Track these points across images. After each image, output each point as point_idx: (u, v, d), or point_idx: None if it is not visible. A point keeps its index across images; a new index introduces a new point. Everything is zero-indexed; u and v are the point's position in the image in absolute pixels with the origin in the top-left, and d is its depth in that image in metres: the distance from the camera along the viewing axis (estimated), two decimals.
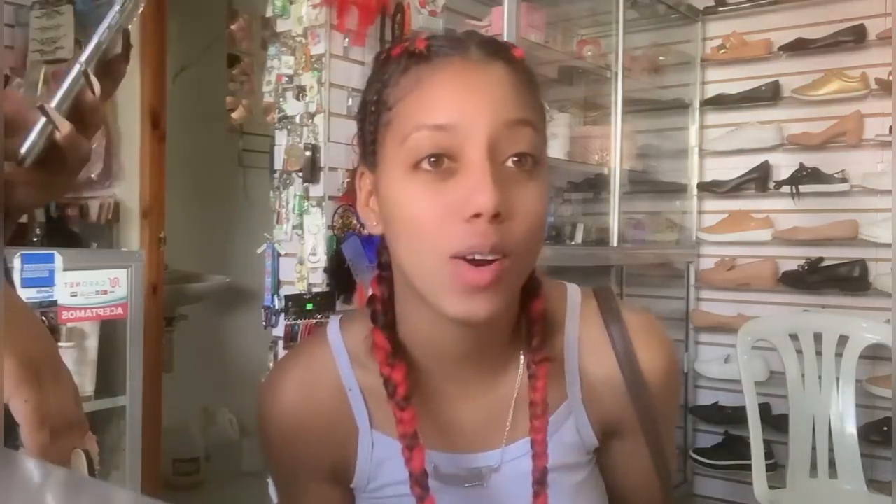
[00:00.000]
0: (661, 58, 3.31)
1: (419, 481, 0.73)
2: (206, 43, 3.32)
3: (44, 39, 2.51)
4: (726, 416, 3.03)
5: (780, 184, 3.01)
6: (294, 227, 2.04)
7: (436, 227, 0.66)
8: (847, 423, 2.43)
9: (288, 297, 1.99)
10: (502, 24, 2.19)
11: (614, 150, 2.84)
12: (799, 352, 2.52)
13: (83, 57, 0.66)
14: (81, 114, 0.66)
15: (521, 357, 0.79)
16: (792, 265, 2.96)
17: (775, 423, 2.71)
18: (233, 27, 2.79)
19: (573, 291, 0.83)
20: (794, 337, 2.53)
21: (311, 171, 2.00)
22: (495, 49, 0.72)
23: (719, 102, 3.21)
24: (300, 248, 2.03)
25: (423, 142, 0.67)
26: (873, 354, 2.60)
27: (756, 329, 2.60)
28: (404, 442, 0.73)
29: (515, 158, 0.68)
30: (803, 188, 2.94)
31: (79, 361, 2.03)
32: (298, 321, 1.97)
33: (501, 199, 0.65)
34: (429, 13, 2.23)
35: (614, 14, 2.89)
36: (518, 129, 0.68)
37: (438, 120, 0.67)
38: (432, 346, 0.76)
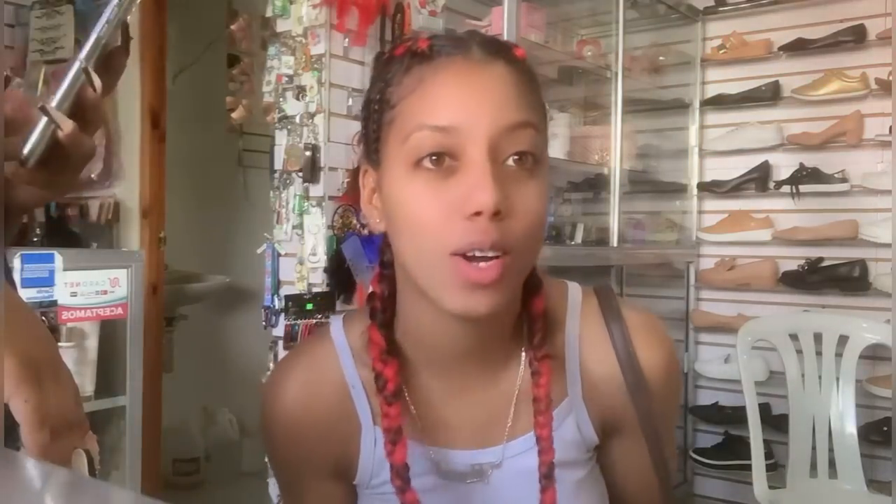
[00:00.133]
0: (661, 58, 3.30)
1: (400, 474, 0.73)
2: (206, 43, 3.32)
3: (44, 39, 2.51)
4: (726, 416, 3.03)
5: (780, 184, 3.01)
6: (294, 227, 2.04)
7: (437, 224, 0.67)
8: (847, 423, 2.43)
9: (288, 297, 1.99)
10: (502, 24, 2.18)
11: (614, 150, 2.84)
12: (799, 352, 2.52)
13: (83, 54, 0.66)
14: (83, 111, 0.66)
15: (523, 354, 0.80)
16: (792, 265, 2.96)
17: (775, 423, 2.71)
18: (233, 27, 2.78)
19: (574, 290, 0.84)
20: (794, 337, 2.53)
21: (311, 171, 2.00)
22: (497, 49, 0.73)
23: (719, 102, 3.21)
24: (300, 248, 2.03)
25: (425, 141, 0.68)
26: (873, 354, 2.60)
27: (756, 329, 2.60)
28: (388, 436, 0.74)
29: (516, 157, 0.69)
30: (803, 188, 2.94)
31: (79, 361, 2.03)
32: (298, 321, 1.97)
33: (502, 197, 0.66)
34: (429, 13, 2.23)
35: (614, 14, 2.89)
36: (519, 130, 0.69)
37: (440, 121, 0.68)
38: (434, 342, 0.77)
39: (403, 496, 0.74)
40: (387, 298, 0.79)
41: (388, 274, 0.80)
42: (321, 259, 1.99)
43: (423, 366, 0.79)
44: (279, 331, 2.01)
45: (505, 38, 2.16)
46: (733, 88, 3.17)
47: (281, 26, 2.07)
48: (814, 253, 2.91)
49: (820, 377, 2.48)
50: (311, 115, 2.02)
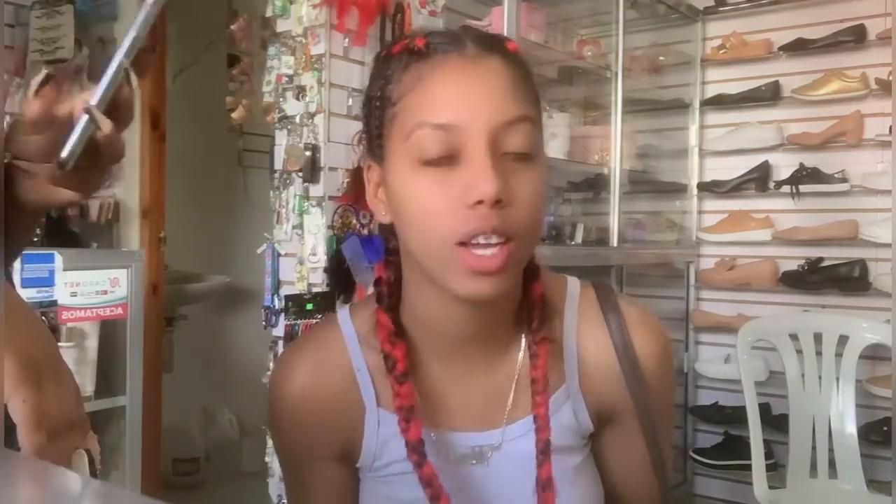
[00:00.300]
0: (661, 58, 3.30)
1: (416, 449, 0.76)
2: (206, 43, 3.32)
3: (44, 39, 2.51)
4: (726, 416, 3.03)
5: (780, 184, 3.00)
6: (294, 227, 2.04)
7: (442, 215, 0.71)
8: (847, 423, 2.43)
9: (288, 297, 1.98)
10: (502, 24, 2.18)
11: (614, 150, 2.84)
12: (799, 352, 2.52)
13: (122, 52, 0.65)
14: (118, 110, 0.65)
15: (523, 340, 0.83)
16: (792, 265, 2.96)
17: (775, 423, 2.71)
18: (233, 27, 2.78)
19: (573, 282, 0.87)
20: (794, 337, 2.53)
21: (311, 171, 2.00)
22: (491, 44, 0.76)
23: (719, 102, 3.20)
24: (300, 248, 2.03)
25: (427, 138, 0.71)
26: (873, 354, 2.60)
27: (756, 329, 2.60)
28: (401, 414, 0.77)
29: (514, 150, 0.72)
30: (803, 188, 2.94)
31: (79, 361, 2.03)
32: (298, 321, 1.97)
33: (502, 186, 0.69)
34: (429, 13, 2.23)
35: (614, 14, 2.89)
36: (516, 124, 0.72)
37: (440, 119, 0.71)
38: (438, 326, 0.80)
39: (421, 470, 0.76)
40: (393, 284, 0.82)
41: (394, 261, 0.82)
42: (321, 259, 1.99)
43: (426, 350, 0.82)
44: (279, 331, 2.01)
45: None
46: (733, 88, 3.17)
47: (281, 26, 2.07)
48: (814, 253, 2.91)
49: (820, 377, 2.48)
50: (311, 115, 2.01)
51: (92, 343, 2.08)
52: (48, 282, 1.92)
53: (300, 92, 2.03)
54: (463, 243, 0.70)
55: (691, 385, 3.24)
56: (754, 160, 3.08)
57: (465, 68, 0.73)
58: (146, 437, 2.19)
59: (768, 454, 2.53)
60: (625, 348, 0.82)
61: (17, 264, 0.76)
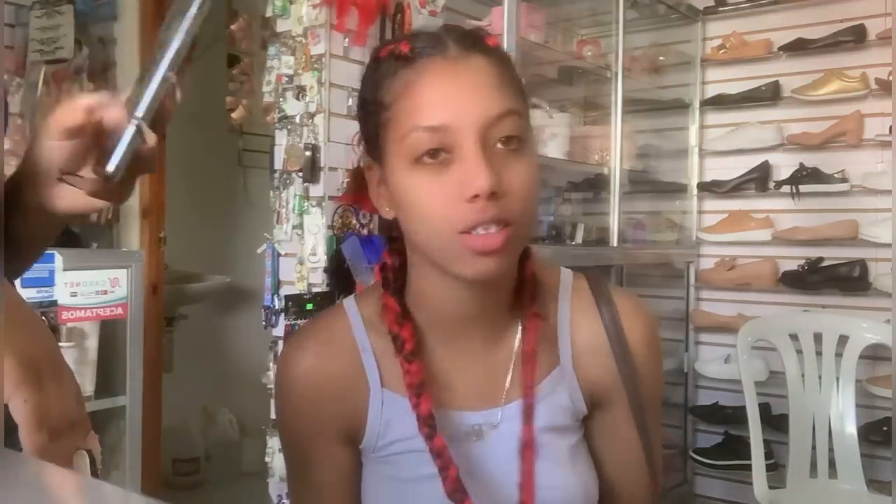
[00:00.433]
0: (661, 58, 3.30)
1: (427, 422, 0.81)
2: (206, 43, 3.32)
3: (44, 39, 2.51)
4: (726, 416, 3.03)
5: (780, 184, 3.00)
6: (294, 227, 2.04)
7: (442, 209, 0.76)
8: (847, 423, 2.43)
9: (288, 297, 1.98)
10: (502, 24, 2.18)
11: (614, 150, 2.84)
12: (799, 352, 2.52)
13: (164, 65, 0.63)
14: (160, 123, 0.65)
15: (520, 325, 0.87)
16: (792, 265, 2.96)
17: (775, 423, 2.71)
18: (233, 27, 2.78)
19: (566, 272, 0.93)
20: (794, 337, 2.53)
21: (311, 171, 2.00)
22: (472, 42, 0.80)
23: (719, 102, 3.20)
24: (300, 248, 2.03)
25: (421, 140, 0.76)
26: (873, 354, 2.60)
27: (756, 329, 2.60)
28: (412, 390, 0.82)
29: (503, 141, 0.77)
30: (803, 188, 2.94)
31: (79, 361, 2.03)
32: (298, 321, 1.97)
33: (495, 179, 0.74)
34: (429, 13, 2.23)
35: (614, 14, 2.89)
36: (504, 118, 0.77)
37: (431, 122, 0.76)
38: (440, 308, 0.85)
39: (431, 442, 0.81)
40: (398, 270, 0.87)
41: (398, 248, 0.88)
42: (321, 259, 1.99)
43: (429, 332, 0.86)
44: (279, 331, 2.01)
45: (505, 38, 2.16)
46: (733, 88, 3.17)
47: (281, 26, 2.07)
48: (814, 253, 2.91)
49: (820, 377, 2.48)
50: (311, 115, 2.01)
51: (92, 343, 2.08)
52: (48, 282, 1.92)
53: (300, 92, 2.03)
54: (465, 231, 0.75)
55: (691, 385, 3.24)
56: (754, 160, 3.08)
57: (449, 70, 0.77)
58: (146, 437, 2.19)
59: (768, 454, 2.53)
60: (616, 332, 0.87)
61: None
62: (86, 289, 2.00)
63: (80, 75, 2.55)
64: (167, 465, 3.13)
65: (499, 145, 0.76)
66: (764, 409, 2.55)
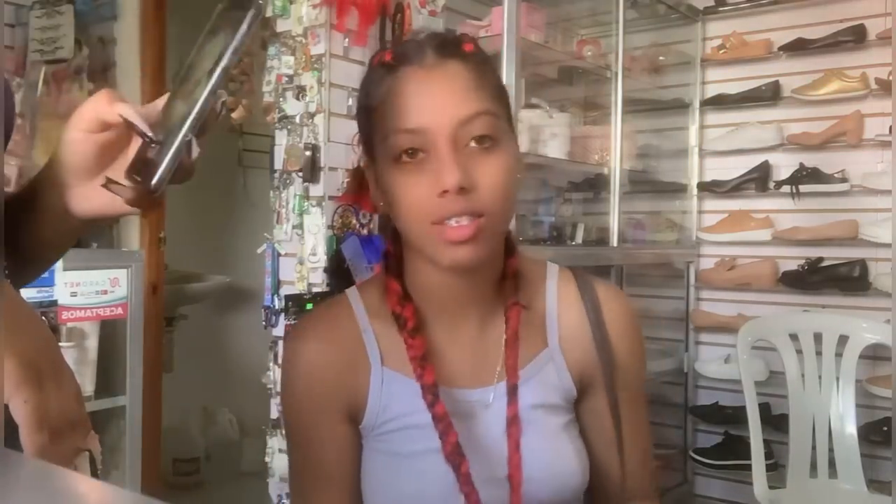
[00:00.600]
0: (661, 58, 3.30)
1: (431, 390, 0.88)
2: None
3: (44, 39, 2.51)
4: (726, 416, 3.03)
5: (780, 184, 3.00)
6: (294, 227, 2.04)
7: (419, 203, 0.84)
8: (847, 423, 2.43)
9: (288, 297, 1.98)
10: (502, 24, 2.18)
11: (614, 150, 2.84)
12: (799, 352, 2.52)
13: (213, 81, 0.64)
14: (201, 136, 0.67)
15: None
16: (792, 265, 2.96)
17: (775, 423, 2.71)
18: None
19: (552, 265, 1.01)
20: (794, 337, 2.53)
21: (311, 171, 2.00)
22: (449, 49, 0.88)
23: (719, 102, 3.20)
24: (300, 248, 2.03)
25: (399, 142, 0.85)
26: (873, 354, 2.60)
27: (756, 329, 2.60)
28: (415, 362, 0.89)
29: (476, 140, 0.84)
30: (803, 188, 2.94)
31: (79, 361, 2.03)
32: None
33: (464, 176, 0.82)
34: (429, 13, 2.23)
35: (614, 14, 2.89)
36: (475, 119, 0.84)
37: (409, 124, 0.84)
38: (432, 293, 0.93)
39: (434, 409, 0.87)
40: (398, 256, 0.95)
41: (398, 237, 0.95)
42: (321, 259, 1.99)
43: (426, 314, 0.93)
44: (279, 331, 2.01)
45: (505, 38, 2.16)
46: (733, 88, 3.17)
47: (281, 26, 2.07)
48: (814, 253, 2.91)
49: (820, 377, 2.48)
50: (311, 115, 2.01)
51: (92, 343, 2.08)
52: (48, 282, 1.92)
53: (300, 92, 2.03)
54: (438, 223, 0.83)
55: (691, 385, 3.24)
56: (754, 160, 3.08)
57: (425, 77, 0.85)
58: (146, 437, 2.19)
59: (768, 454, 2.53)
60: (596, 319, 0.95)
61: None
62: (86, 289, 2.00)
63: (80, 75, 2.55)
64: (167, 465, 3.13)
65: (472, 144, 0.84)
66: (764, 409, 2.55)
